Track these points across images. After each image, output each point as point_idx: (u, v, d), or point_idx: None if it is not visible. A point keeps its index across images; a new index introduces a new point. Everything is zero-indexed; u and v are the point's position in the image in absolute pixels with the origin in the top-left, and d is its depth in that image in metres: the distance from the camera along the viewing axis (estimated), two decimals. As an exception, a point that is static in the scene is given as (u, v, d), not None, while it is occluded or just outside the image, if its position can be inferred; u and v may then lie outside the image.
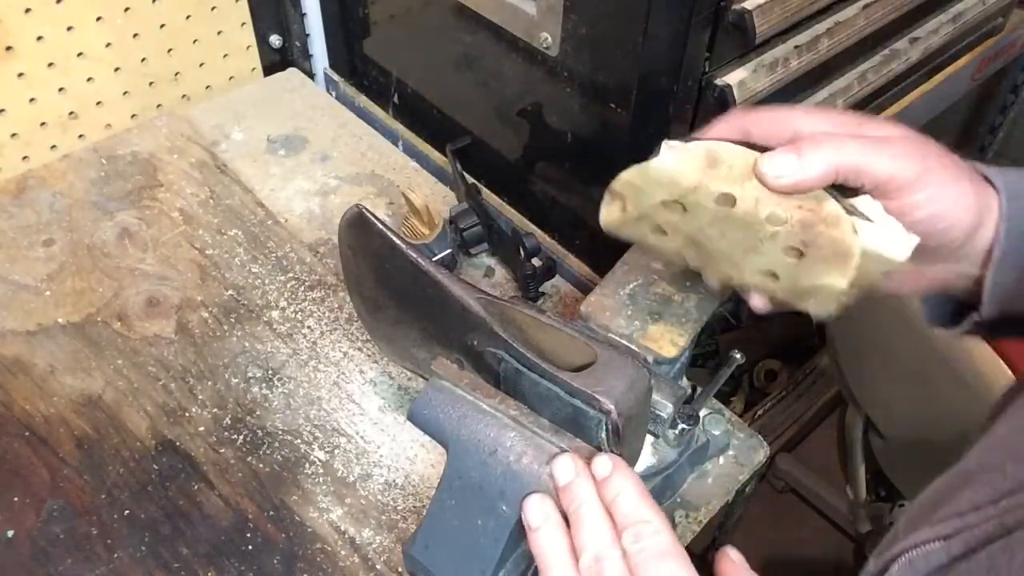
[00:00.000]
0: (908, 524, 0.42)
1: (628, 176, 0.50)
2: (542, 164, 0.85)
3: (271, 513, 0.64)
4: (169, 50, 0.95)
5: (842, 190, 0.47)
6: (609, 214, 0.53)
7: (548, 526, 0.43)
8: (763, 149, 0.47)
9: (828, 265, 0.48)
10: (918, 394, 1.09)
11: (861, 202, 0.47)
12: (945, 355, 1.00)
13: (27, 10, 0.82)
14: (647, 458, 0.63)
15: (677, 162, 0.48)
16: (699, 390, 0.66)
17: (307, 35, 1.05)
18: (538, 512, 0.44)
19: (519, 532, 0.46)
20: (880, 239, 0.47)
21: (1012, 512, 0.37)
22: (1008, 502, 0.37)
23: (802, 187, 0.46)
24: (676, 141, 0.49)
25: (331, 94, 1.06)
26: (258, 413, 0.70)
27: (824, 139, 0.45)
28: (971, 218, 0.47)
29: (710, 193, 0.48)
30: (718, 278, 0.54)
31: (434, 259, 0.75)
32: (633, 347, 0.58)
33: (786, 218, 0.47)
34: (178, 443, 0.68)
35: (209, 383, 0.72)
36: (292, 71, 1.07)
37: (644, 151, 0.49)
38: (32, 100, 0.87)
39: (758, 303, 0.53)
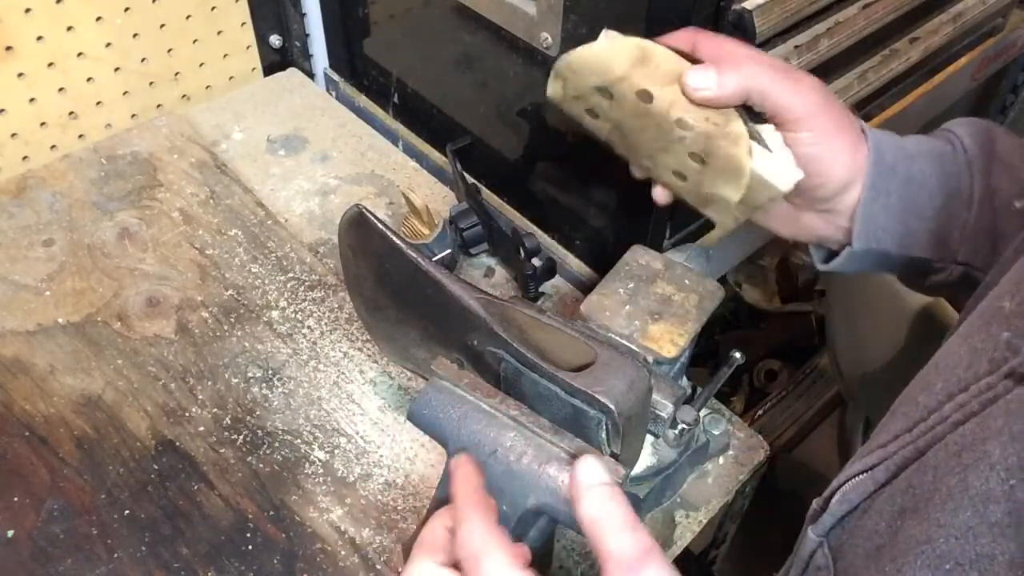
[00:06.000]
0: (849, 463, 0.46)
1: (569, 57, 0.55)
2: (542, 164, 0.85)
3: (271, 513, 0.64)
4: (169, 50, 0.95)
5: (754, 115, 0.53)
6: (553, 90, 0.58)
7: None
8: (694, 60, 0.53)
9: (724, 177, 0.53)
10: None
11: (765, 130, 0.53)
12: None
13: (27, 10, 0.82)
14: (647, 458, 0.63)
15: (610, 50, 0.54)
16: (699, 390, 0.66)
17: (307, 35, 1.06)
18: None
19: (519, 531, 0.46)
20: (770, 166, 0.52)
21: (924, 436, 0.40)
22: (920, 428, 0.41)
23: (716, 102, 0.52)
24: (617, 32, 0.54)
25: (331, 94, 1.06)
26: (258, 413, 0.70)
27: (744, 62, 0.52)
28: (845, 173, 0.55)
29: (632, 86, 0.53)
30: (639, 168, 0.60)
31: (434, 259, 0.75)
32: (633, 347, 0.58)
33: (693, 125, 0.52)
34: (178, 443, 0.68)
35: (209, 383, 0.72)
36: (292, 71, 1.07)
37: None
38: (32, 100, 0.87)
39: (660, 197, 0.61)
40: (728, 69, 0.52)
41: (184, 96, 1.00)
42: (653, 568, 0.38)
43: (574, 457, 0.45)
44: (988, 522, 0.34)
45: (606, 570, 0.39)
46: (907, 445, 0.41)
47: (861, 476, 0.43)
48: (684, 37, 0.55)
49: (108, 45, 0.90)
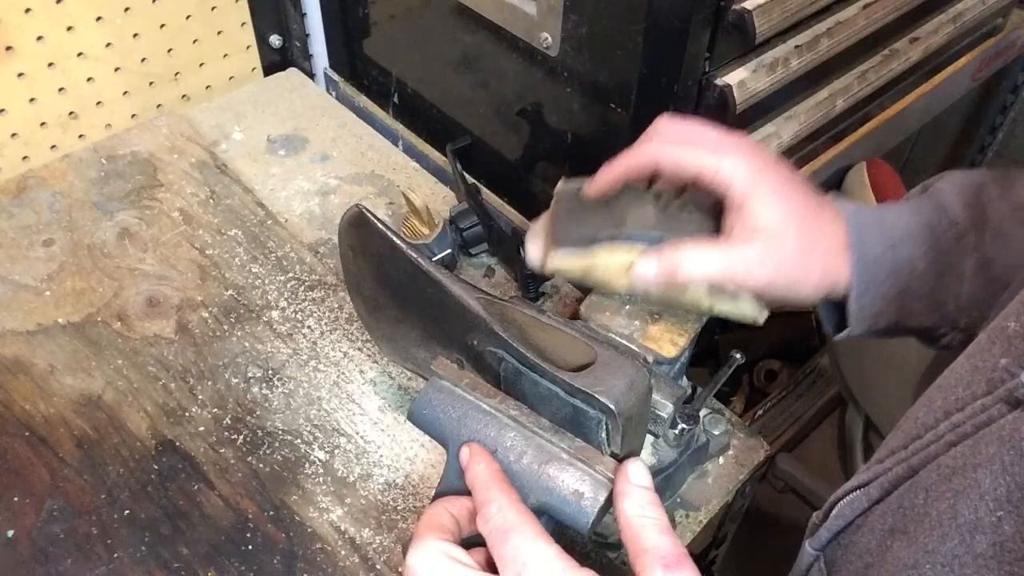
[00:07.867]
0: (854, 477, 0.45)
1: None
2: (542, 164, 0.85)
3: (271, 513, 0.64)
4: (169, 50, 0.95)
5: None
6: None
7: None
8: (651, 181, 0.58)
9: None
10: (919, 394, 1.08)
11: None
12: (945, 355, 1.00)
13: (27, 10, 0.82)
14: (647, 458, 0.63)
15: (560, 269, 0.59)
16: (699, 390, 0.66)
17: (307, 35, 1.06)
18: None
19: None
20: (735, 309, 0.56)
21: (917, 454, 0.40)
22: (915, 445, 0.40)
23: (668, 285, 0.54)
24: (563, 251, 0.59)
25: (331, 94, 1.06)
26: (258, 413, 0.70)
27: (685, 249, 0.53)
28: (821, 284, 0.54)
29: (595, 281, 0.59)
30: None
31: (434, 259, 0.75)
32: (633, 347, 0.58)
33: (654, 295, 0.57)
34: (178, 443, 0.68)
35: (209, 383, 0.72)
36: (292, 71, 1.07)
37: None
38: (32, 100, 0.87)
39: None
40: (669, 257, 0.53)
41: (184, 96, 1.00)
42: (688, 570, 0.39)
43: (574, 457, 0.45)
44: (973, 552, 0.34)
45: (641, 563, 0.39)
46: (901, 462, 0.41)
47: (856, 492, 0.43)
48: (647, 156, 0.55)
49: (108, 45, 0.90)
